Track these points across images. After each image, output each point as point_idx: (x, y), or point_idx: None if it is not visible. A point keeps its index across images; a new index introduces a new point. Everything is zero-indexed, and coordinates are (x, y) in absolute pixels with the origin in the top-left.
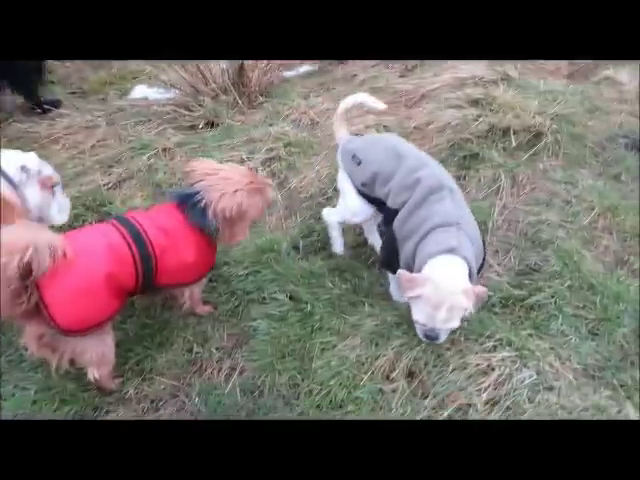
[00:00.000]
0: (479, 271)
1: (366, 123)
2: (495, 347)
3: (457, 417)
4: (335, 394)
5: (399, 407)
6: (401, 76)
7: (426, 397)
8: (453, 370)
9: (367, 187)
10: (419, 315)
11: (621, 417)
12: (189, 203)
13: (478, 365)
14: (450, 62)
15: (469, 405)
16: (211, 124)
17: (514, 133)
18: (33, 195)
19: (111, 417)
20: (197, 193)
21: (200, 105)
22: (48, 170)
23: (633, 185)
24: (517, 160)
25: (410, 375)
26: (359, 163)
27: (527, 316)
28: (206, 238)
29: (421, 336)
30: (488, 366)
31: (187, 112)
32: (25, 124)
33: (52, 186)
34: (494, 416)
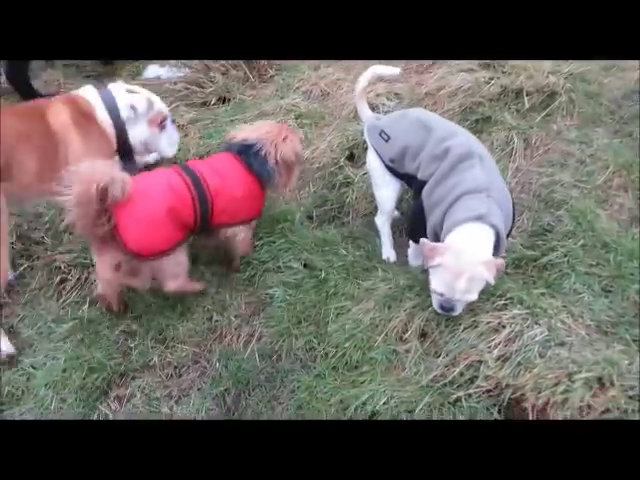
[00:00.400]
0: (507, 236)
1: (377, 91)
2: (506, 305)
3: (468, 375)
4: (350, 356)
5: (412, 366)
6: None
7: (438, 356)
8: (465, 329)
9: (396, 163)
10: (437, 284)
11: (633, 371)
12: (249, 153)
13: (489, 323)
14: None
15: (480, 362)
16: (223, 99)
17: (527, 94)
18: (141, 132)
19: (137, 383)
20: (255, 145)
21: (211, 81)
22: (158, 106)
23: None
24: (530, 122)
25: (423, 335)
26: (387, 140)
27: (540, 275)
28: (257, 184)
29: (437, 307)
30: (499, 324)
31: (199, 89)
32: None
33: (161, 121)
34: (504, 372)
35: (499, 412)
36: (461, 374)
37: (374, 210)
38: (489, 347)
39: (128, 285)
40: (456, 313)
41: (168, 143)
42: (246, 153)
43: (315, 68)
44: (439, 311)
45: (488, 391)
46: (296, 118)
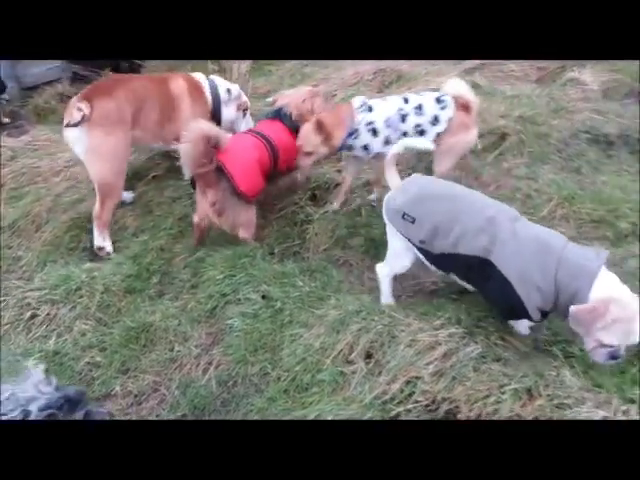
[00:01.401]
0: None
1: None
2: (443, 325)
3: (407, 390)
4: (301, 379)
5: (357, 386)
6: (378, 92)
7: (380, 374)
8: (404, 347)
9: (427, 244)
10: (614, 338)
11: (557, 383)
12: (282, 115)
13: (426, 341)
14: (423, 76)
15: (417, 378)
16: None
17: (480, 136)
18: (230, 112)
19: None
20: (283, 108)
21: None
22: (244, 98)
23: (593, 177)
24: (483, 161)
25: (368, 356)
26: (413, 221)
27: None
28: (293, 136)
29: (605, 360)
30: (436, 342)
31: None
32: (31, 159)
33: (245, 109)
34: (440, 386)
35: None
36: (401, 391)
37: (332, 245)
38: (426, 364)
39: (214, 223)
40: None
41: (245, 127)
42: (280, 115)
43: None
44: (609, 362)
45: (426, 406)
46: None
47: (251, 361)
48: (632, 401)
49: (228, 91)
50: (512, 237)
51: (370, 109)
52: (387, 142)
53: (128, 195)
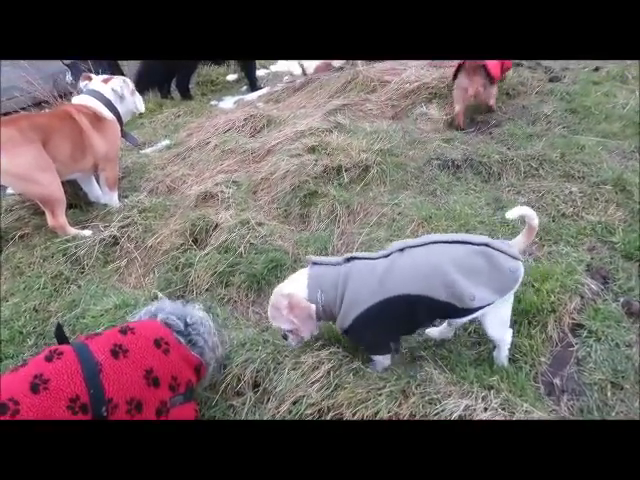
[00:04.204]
0: None
1: (216, 180)
2: (324, 345)
3: (295, 410)
4: None
5: (249, 416)
6: (251, 136)
7: (269, 400)
8: (289, 371)
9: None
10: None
11: (427, 381)
12: None
13: (309, 362)
14: (291, 119)
15: (304, 396)
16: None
17: (346, 170)
18: (127, 103)
19: None
20: None
21: None
22: (123, 81)
23: (446, 197)
24: (351, 192)
25: (256, 386)
26: None
27: None
28: None
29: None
30: (319, 362)
31: None
32: None
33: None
34: (323, 393)
35: None
36: (289, 411)
37: (215, 284)
38: (311, 383)
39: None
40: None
41: (139, 102)
42: None
43: (162, 167)
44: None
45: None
46: (140, 212)
47: None
48: (490, 387)
49: (114, 90)
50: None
51: None
52: None
53: None
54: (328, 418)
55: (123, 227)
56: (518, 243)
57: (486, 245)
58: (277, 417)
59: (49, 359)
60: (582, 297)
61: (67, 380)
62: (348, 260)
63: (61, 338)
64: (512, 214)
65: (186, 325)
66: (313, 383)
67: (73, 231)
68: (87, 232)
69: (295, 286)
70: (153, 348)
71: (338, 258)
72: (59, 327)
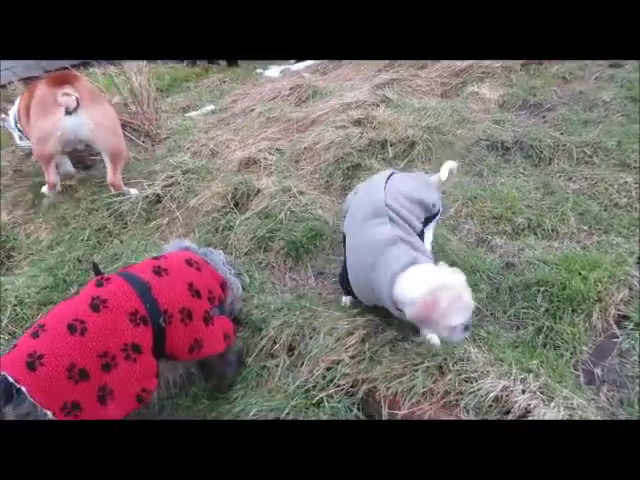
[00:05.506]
0: None
1: (259, 147)
2: (359, 313)
3: (329, 376)
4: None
5: (282, 377)
6: (296, 106)
7: (303, 364)
8: (324, 336)
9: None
10: (456, 317)
11: (464, 360)
12: None
13: (344, 328)
14: (338, 90)
15: (338, 362)
16: None
17: (391, 145)
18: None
19: None
20: None
21: None
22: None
23: (493, 179)
24: (395, 167)
25: (290, 349)
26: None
27: None
28: None
29: (460, 338)
30: (354, 328)
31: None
32: None
33: None
34: (359, 368)
35: (358, 409)
36: (323, 377)
37: (254, 248)
38: (346, 348)
39: None
40: None
41: None
42: None
43: (206, 131)
44: (465, 335)
45: (347, 392)
46: (183, 173)
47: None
48: (529, 370)
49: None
50: (360, 231)
51: None
52: None
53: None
54: (362, 390)
55: (166, 186)
56: (437, 179)
57: None
58: (310, 382)
59: (100, 285)
60: (630, 289)
61: (123, 297)
62: None
63: (98, 273)
64: (443, 173)
65: (208, 257)
66: (347, 349)
67: (126, 189)
68: (134, 191)
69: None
70: (187, 266)
71: None
72: (95, 265)
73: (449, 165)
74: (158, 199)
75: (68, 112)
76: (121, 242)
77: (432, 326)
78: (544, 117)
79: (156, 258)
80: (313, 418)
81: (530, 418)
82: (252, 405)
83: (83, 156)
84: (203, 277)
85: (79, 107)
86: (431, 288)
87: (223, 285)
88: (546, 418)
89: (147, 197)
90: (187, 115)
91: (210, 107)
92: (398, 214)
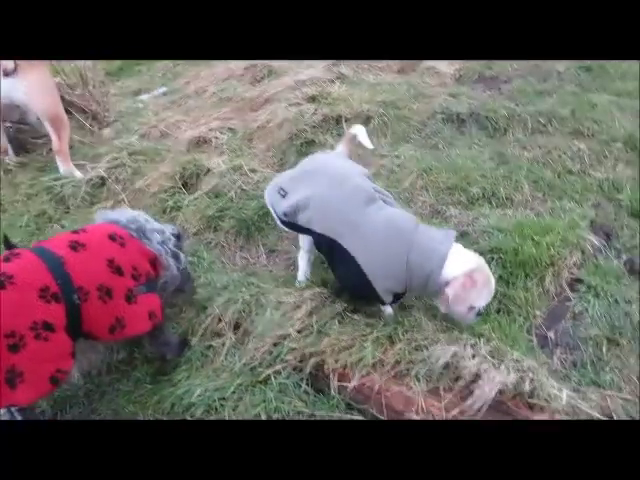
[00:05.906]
0: None
1: (210, 127)
2: (308, 286)
3: (275, 352)
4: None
5: (227, 356)
6: (251, 85)
7: (249, 341)
8: (271, 311)
9: (289, 217)
10: (482, 300)
11: (415, 328)
12: None
13: (290, 302)
14: (293, 68)
15: (285, 337)
16: None
17: (346, 120)
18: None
19: None
20: None
21: None
22: None
23: (448, 151)
24: None
25: (236, 327)
26: (284, 196)
27: None
28: None
29: (474, 319)
30: (301, 301)
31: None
32: None
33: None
34: (306, 341)
35: (307, 384)
36: (270, 353)
37: (203, 228)
38: (292, 322)
39: None
40: None
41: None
42: None
43: (156, 113)
44: (477, 319)
45: (295, 367)
46: (130, 155)
47: (116, 348)
48: (480, 335)
49: None
50: (363, 220)
51: None
52: None
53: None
54: (310, 365)
55: (111, 168)
56: (342, 151)
57: None
58: (256, 358)
59: (7, 260)
60: (583, 252)
61: (32, 273)
62: None
63: (9, 246)
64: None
65: (141, 231)
66: (294, 323)
67: (72, 165)
68: (78, 173)
69: None
70: (109, 241)
71: None
72: (6, 238)
73: (355, 130)
74: (102, 182)
75: (6, 74)
76: (62, 227)
77: (459, 305)
78: (500, 89)
79: (75, 232)
80: (260, 396)
81: (480, 382)
82: (196, 386)
83: (24, 139)
84: (127, 252)
85: (16, 71)
86: (471, 269)
87: (153, 261)
88: (496, 381)
89: (91, 180)
90: (138, 98)
91: (162, 89)
92: (380, 193)
